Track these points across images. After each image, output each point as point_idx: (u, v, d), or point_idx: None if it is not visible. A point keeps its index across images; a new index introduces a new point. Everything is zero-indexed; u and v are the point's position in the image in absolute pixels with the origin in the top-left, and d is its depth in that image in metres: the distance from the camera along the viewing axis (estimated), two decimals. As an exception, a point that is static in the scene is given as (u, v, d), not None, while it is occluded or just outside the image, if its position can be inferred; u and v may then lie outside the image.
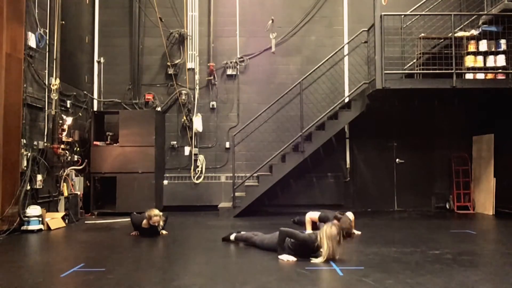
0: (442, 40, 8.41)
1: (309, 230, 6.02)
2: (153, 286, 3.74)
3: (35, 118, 7.18)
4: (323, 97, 9.43)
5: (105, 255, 5.07)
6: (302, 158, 8.43)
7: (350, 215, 5.93)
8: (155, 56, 9.73)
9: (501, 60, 7.86)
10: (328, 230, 4.57)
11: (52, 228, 6.83)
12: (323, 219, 5.85)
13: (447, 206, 9.33)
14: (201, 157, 9.52)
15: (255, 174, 8.90)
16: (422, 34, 8.41)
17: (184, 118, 9.50)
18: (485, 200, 8.79)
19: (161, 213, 6.26)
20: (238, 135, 9.08)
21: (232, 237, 5.70)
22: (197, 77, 9.60)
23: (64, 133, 7.85)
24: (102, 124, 9.45)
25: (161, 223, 6.31)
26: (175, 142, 9.57)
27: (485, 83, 7.82)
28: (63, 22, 7.89)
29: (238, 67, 9.70)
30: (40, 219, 6.72)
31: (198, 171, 9.49)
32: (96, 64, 9.65)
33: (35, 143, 7.09)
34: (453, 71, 7.55)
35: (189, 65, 9.64)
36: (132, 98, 9.56)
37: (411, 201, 9.46)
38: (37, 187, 7.00)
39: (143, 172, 8.64)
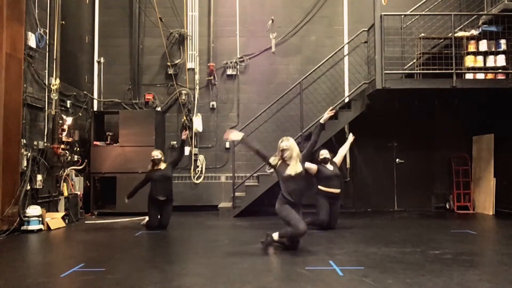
0: (442, 40, 8.40)
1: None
2: (153, 286, 3.74)
3: (35, 118, 7.18)
4: (323, 97, 9.43)
5: (105, 255, 5.07)
6: (302, 158, 8.41)
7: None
8: (155, 56, 9.73)
9: (501, 60, 7.86)
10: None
11: (52, 228, 6.83)
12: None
13: (447, 206, 9.33)
14: (201, 157, 9.53)
15: (255, 174, 8.90)
16: (422, 34, 8.41)
17: (184, 118, 9.51)
18: (485, 200, 8.79)
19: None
20: (238, 135, 9.07)
21: (276, 236, 5.27)
22: (197, 77, 9.60)
23: (64, 133, 7.86)
24: (102, 124, 9.46)
25: (163, 164, 7.08)
26: (175, 142, 9.57)
27: (485, 83, 7.82)
28: (63, 22, 7.89)
29: (238, 67, 9.70)
30: (40, 219, 6.72)
31: (198, 171, 9.49)
32: (96, 64, 9.65)
33: (35, 143, 7.09)
34: (453, 71, 7.54)
35: (189, 65, 9.64)
36: (132, 98, 9.56)
37: (411, 201, 9.46)
38: (37, 187, 6.99)
39: (143, 172, 8.56)
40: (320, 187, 6.63)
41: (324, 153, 6.78)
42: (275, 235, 5.31)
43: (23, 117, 6.74)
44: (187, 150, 9.56)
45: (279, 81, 9.61)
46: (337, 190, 6.69)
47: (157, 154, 7.07)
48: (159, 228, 6.92)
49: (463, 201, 9.22)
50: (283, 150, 5.20)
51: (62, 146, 7.77)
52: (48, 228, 6.82)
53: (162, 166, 7.09)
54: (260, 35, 9.58)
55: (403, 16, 8.38)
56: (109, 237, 6.39)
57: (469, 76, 7.88)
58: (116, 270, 4.27)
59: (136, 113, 9.22)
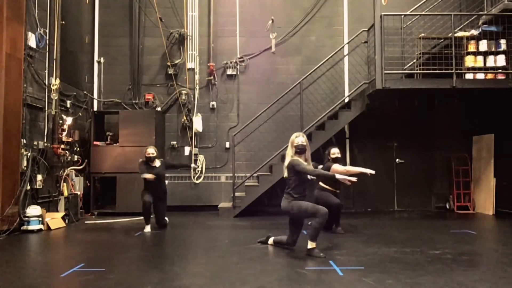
0: (442, 40, 8.41)
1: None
2: (153, 286, 3.74)
3: (35, 118, 7.18)
4: (323, 97, 9.43)
5: (105, 255, 5.07)
6: (302, 158, 8.41)
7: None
8: (155, 56, 9.73)
9: (501, 60, 7.86)
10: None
11: (52, 228, 6.84)
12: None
13: (447, 206, 9.33)
14: (201, 157, 9.52)
15: (255, 174, 8.90)
16: (422, 34, 8.41)
17: (184, 118, 9.50)
18: (485, 200, 8.79)
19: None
20: (238, 135, 9.08)
21: (270, 240, 5.57)
22: (197, 77, 9.60)
23: (64, 133, 7.86)
24: (102, 124, 9.46)
25: (157, 161, 7.05)
26: (175, 142, 9.57)
27: (485, 83, 7.81)
28: (63, 22, 7.89)
29: (238, 67, 9.70)
30: (40, 219, 6.73)
31: (198, 171, 9.49)
32: (96, 64, 9.65)
33: (35, 143, 7.09)
34: (453, 71, 7.55)
35: (189, 65, 9.64)
36: (132, 98, 9.56)
37: (411, 201, 9.46)
38: (37, 187, 7.00)
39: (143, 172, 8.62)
40: (321, 184, 6.61)
41: (336, 152, 6.58)
42: (271, 240, 5.52)
43: (23, 117, 6.75)
44: (187, 150, 9.57)
45: (279, 81, 9.61)
46: (338, 190, 6.70)
47: (152, 151, 7.03)
48: (158, 228, 6.95)
49: (463, 201, 9.22)
50: (300, 146, 5.16)
51: (62, 146, 7.77)
52: (48, 228, 6.82)
53: (157, 164, 7.08)
54: (260, 35, 9.58)
55: (403, 16, 8.38)
56: (109, 237, 6.39)
57: (469, 76, 7.88)
58: (116, 270, 4.27)
59: (136, 113, 9.22)
